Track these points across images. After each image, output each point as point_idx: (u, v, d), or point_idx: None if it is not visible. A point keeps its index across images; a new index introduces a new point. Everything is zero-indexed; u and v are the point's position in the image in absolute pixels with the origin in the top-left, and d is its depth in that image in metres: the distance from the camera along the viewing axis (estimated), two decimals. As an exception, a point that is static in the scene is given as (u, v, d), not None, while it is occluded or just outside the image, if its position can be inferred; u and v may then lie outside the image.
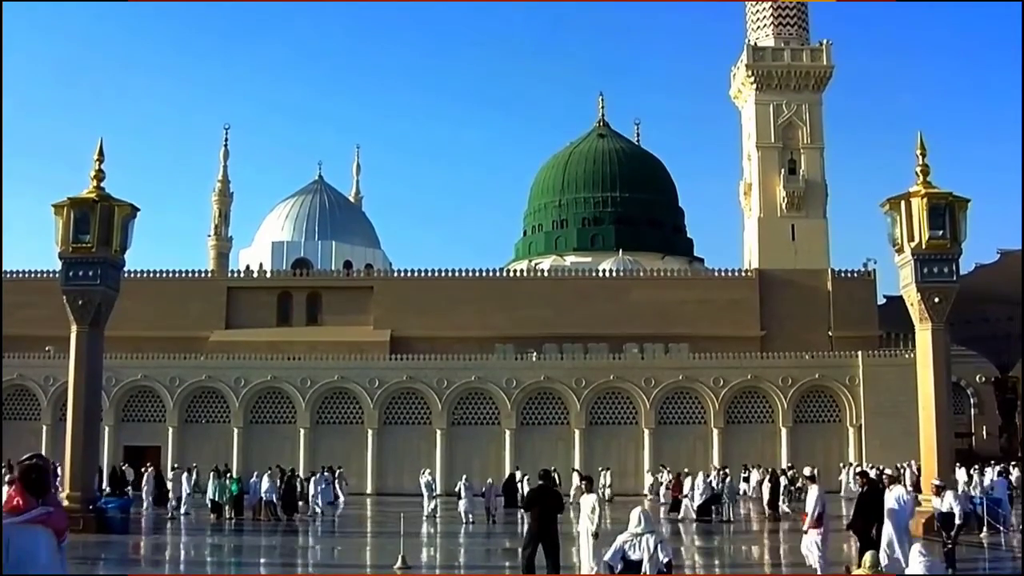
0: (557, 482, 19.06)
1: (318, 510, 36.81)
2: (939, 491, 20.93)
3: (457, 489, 34.89)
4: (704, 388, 53.70)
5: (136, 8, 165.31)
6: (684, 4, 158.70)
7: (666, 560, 13.76)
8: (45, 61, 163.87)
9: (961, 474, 38.10)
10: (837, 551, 20.90)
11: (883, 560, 16.65)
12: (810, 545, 17.57)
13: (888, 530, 17.49)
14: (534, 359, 55.58)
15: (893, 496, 17.96)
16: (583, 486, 18.57)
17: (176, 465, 41.40)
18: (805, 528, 17.93)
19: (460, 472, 41.51)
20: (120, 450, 52.37)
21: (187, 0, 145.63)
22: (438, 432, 53.15)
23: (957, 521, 19.61)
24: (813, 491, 18.08)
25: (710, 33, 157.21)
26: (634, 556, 13.78)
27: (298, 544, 29.26)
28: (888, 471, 21.27)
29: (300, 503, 36.63)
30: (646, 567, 13.66)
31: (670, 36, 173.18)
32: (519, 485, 40.77)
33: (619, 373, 54.07)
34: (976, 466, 41.91)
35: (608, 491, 43.86)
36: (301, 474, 43.01)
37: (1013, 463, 41.55)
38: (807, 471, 20.63)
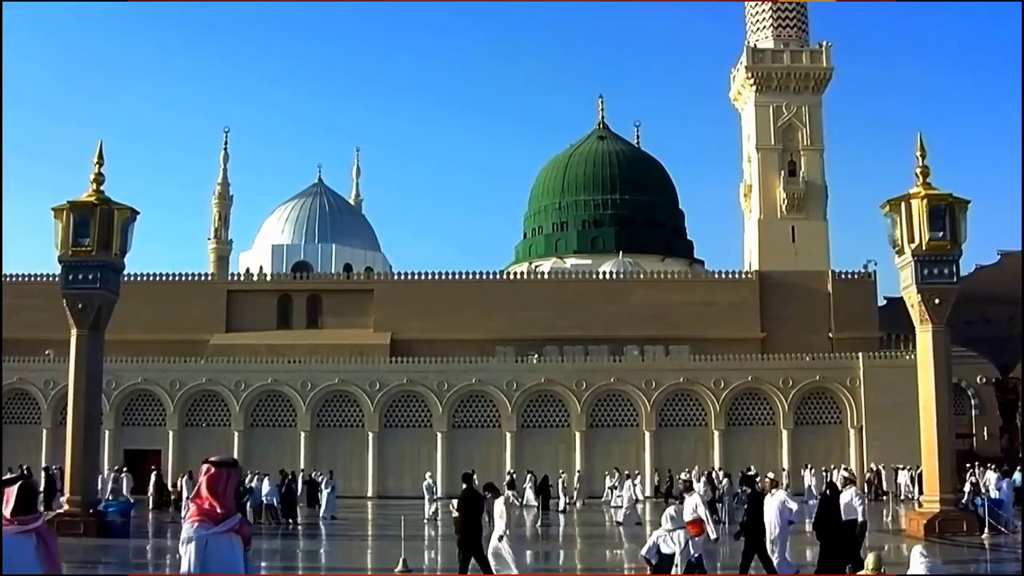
0: (477, 485, 19.28)
1: (333, 516, 36.78)
2: (845, 484, 19.82)
3: (519, 490, 34.86)
4: (705, 390, 53.69)
5: (136, 11, 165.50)
6: (683, 6, 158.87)
7: (696, 555, 15.53)
8: (44, 63, 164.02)
9: (980, 475, 38.11)
10: (800, 554, 20.70)
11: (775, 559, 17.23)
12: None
13: (770, 533, 17.62)
14: (535, 361, 55.57)
15: (775, 500, 17.93)
16: (488, 494, 18.60)
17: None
18: (712, 533, 17.19)
19: (458, 475, 41.44)
20: (120, 454, 52.33)
21: (187, 0, 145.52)
22: (439, 435, 53.14)
23: (859, 519, 18.56)
24: (690, 500, 17.35)
25: (710, 35, 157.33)
26: (666, 550, 15.58)
27: (299, 547, 29.24)
28: (770, 476, 20.51)
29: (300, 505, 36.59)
30: (677, 560, 15.35)
31: (670, 38, 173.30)
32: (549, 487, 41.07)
33: (620, 375, 54.06)
34: (983, 467, 41.77)
35: (575, 493, 44.70)
36: (297, 477, 42.94)
37: (1019, 468, 41.48)
38: (684, 475, 19.53)
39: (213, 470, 6.10)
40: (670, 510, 16.34)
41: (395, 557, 20.44)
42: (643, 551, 16.39)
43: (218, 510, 5.88)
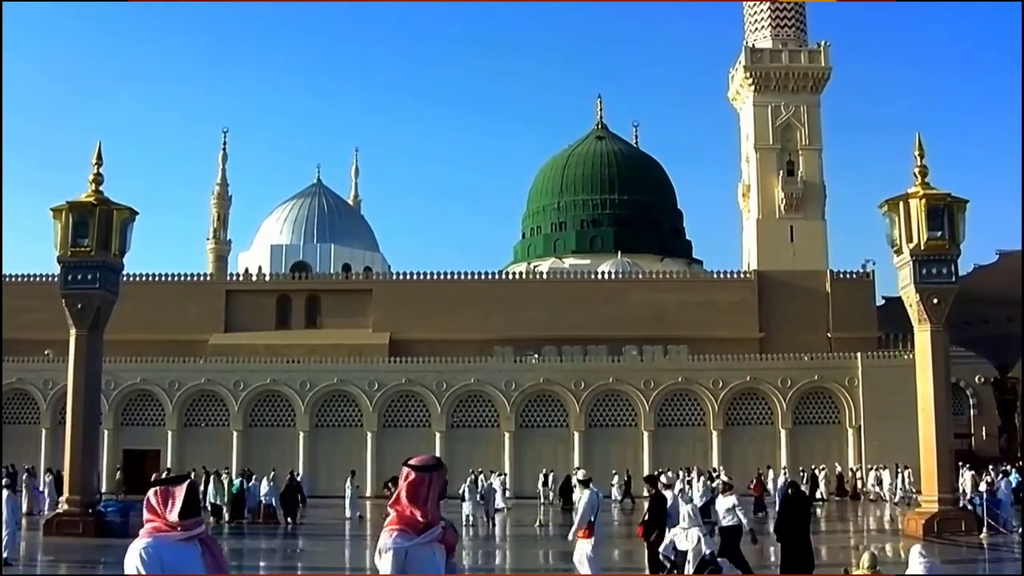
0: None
1: (360, 515, 36.68)
2: (725, 489, 19.27)
3: (461, 491, 34.88)
4: (703, 390, 53.70)
5: (135, 11, 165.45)
6: (682, 6, 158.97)
7: (708, 551, 16.17)
8: (43, 64, 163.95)
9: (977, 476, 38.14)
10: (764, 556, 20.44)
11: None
12: (581, 557, 15.22)
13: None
14: (533, 361, 55.58)
15: (726, 504, 18.04)
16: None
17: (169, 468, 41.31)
18: (570, 536, 15.75)
19: (460, 475, 41.48)
20: (120, 454, 52.36)
21: (187, 0, 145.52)
22: (437, 435, 53.13)
23: (747, 528, 18.40)
24: (584, 495, 16.01)
25: (708, 35, 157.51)
26: (681, 547, 16.47)
27: (297, 547, 29.26)
28: (724, 478, 20.36)
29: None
30: (690, 556, 16.21)
31: (668, 38, 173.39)
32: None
33: (618, 375, 54.08)
34: (988, 467, 41.78)
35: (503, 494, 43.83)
36: (297, 477, 42.89)
37: (1018, 465, 41.58)
38: (580, 474, 18.49)
39: (413, 475, 5.40)
40: (686, 509, 16.79)
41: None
42: (661, 548, 16.90)
43: (419, 519, 5.27)
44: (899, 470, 46.37)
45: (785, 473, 44.46)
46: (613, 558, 23.01)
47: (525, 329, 59.01)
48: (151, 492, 5.26)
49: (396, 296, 62.43)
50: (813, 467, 48.71)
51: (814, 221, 65.67)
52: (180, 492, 5.21)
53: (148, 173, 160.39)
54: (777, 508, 19.44)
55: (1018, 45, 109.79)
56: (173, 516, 5.16)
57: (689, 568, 16.48)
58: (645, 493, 19.94)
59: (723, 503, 18.75)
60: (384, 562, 5.20)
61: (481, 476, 41.00)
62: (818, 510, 40.08)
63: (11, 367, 50.49)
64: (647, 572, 17.30)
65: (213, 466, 40.96)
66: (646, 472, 50.55)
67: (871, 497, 47.74)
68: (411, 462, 5.55)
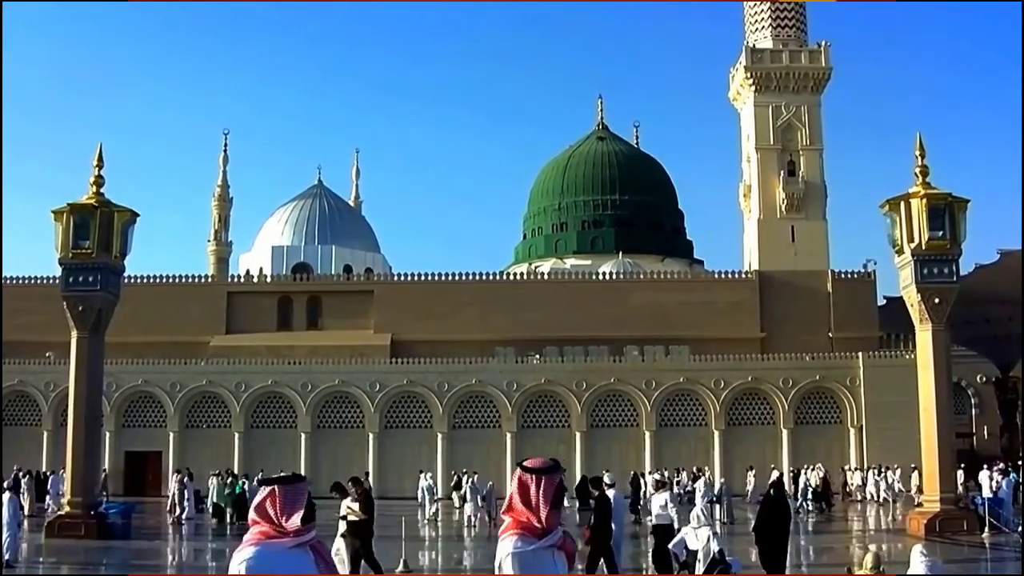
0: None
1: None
2: (658, 487, 19.15)
3: (462, 492, 34.87)
4: (705, 390, 53.70)
5: (135, 12, 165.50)
6: (682, 6, 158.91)
7: (718, 549, 16.47)
8: (43, 65, 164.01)
9: (983, 476, 38.07)
10: (744, 554, 20.23)
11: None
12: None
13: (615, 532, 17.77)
14: (535, 362, 55.58)
15: (659, 502, 18.31)
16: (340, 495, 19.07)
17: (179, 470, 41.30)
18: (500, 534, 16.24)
19: (464, 475, 41.51)
20: (121, 455, 52.41)
21: (187, 0, 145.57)
22: (439, 436, 53.15)
23: (676, 525, 18.36)
24: (658, 497, 17.31)
25: (709, 35, 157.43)
26: (691, 546, 16.95)
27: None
28: (606, 478, 20.26)
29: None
30: (700, 556, 16.68)
31: (669, 38, 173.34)
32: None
33: (620, 375, 54.08)
34: (995, 466, 41.66)
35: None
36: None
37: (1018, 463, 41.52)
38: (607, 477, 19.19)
39: (522, 476, 5.01)
40: (697, 509, 17.10)
41: (395, 557, 20.47)
42: (671, 545, 17.49)
43: (535, 523, 4.92)
44: (884, 470, 46.44)
45: (803, 472, 44.41)
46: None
47: (526, 330, 59.02)
48: (264, 493, 4.74)
49: (397, 297, 62.43)
50: (806, 467, 48.50)
51: (815, 221, 65.62)
52: (303, 497, 4.75)
53: (149, 175, 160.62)
54: (758, 508, 19.44)
55: (1018, 45, 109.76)
56: (294, 523, 4.67)
57: (700, 567, 16.69)
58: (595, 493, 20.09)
59: (657, 500, 18.98)
60: (506, 567, 4.90)
61: (469, 476, 41.12)
62: (801, 511, 40.26)
63: (12, 369, 50.53)
64: (584, 571, 17.07)
65: (215, 468, 40.98)
66: (648, 472, 50.70)
67: (856, 498, 47.18)
68: (525, 463, 5.17)
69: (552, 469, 5.10)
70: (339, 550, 17.59)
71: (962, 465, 39.73)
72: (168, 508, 35.95)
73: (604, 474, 24.19)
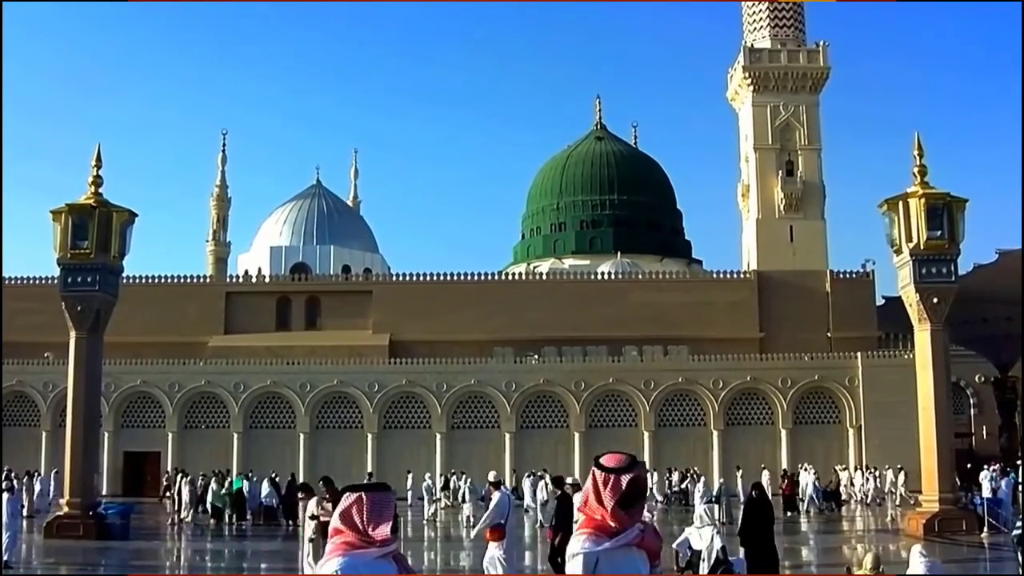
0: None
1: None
2: (575, 490, 18.06)
3: (461, 493, 34.88)
4: (703, 390, 53.72)
5: (133, 12, 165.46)
6: (680, 6, 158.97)
7: (720, 546, 16.71)
8: (42, 66, 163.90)
9: (983, 476, 38.04)
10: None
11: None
12: (492, 560, 15.03)
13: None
14: (533, 362, 55.58)
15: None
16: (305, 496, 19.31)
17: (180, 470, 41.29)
18: (471, 536, 15.72)
19: (460, 476, 41.54)
20: (120, 456, 52.38)
21: (186, 0, 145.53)
22: (438, 436, 53.15)
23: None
24: (494, 497, 16.01)
25: (707, 35, 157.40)
26: (696, 546, 17.37)
27: (299, 549, 29.19)
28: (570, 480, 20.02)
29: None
30: (704, 555, 17.01)
31: (667, 38, 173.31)
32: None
33: (618, 375, 54.09)
34: (997, 466, 41.61)
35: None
36: (296, 479, 42.89)
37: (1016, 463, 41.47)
38: (491, 476, 18.07)
39: (597, 474, 4.75)
40: (700, 509, 17.29)
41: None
42: (675, 544, 17.87)
43: (609, 522, 4.66)
44: (872, 471, 46.43)
45: (814, 471, 44.23)
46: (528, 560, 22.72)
47: (525, 330, 59.01)
48: (350, 500, 4.58)
49: (396, 297, 62.41)
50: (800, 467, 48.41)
51: (814, 221, 65.62)
52: (392, 506, 4.58)
53: (147, 175, 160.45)
54: (742, 510, 19.48)
55: (1018, 45, 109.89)
56: (383, 532, 4.49)
57: (704, 567, 16.79)
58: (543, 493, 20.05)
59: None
60: (573, 566, 4.69)
61: (459, 477, 41.26)
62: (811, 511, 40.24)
63: (11, 369, 50.49)
64: (551, 571, 16.95)
65: (214, 468, 40.96)
66: (653, 474, 50.75)
67: (843, 499, 46.93)
68: (599, 459, 4.85)
69: (630, 468, 4.79)
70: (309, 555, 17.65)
71: (969, 465, 39.87)
72: (175, 509, 35.85)
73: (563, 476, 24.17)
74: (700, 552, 17.04)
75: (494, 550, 14.94)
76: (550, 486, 19.25)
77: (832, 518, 39.12)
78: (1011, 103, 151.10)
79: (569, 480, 19.53)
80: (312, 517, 18.06)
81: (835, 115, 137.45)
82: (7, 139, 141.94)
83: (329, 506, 17.81)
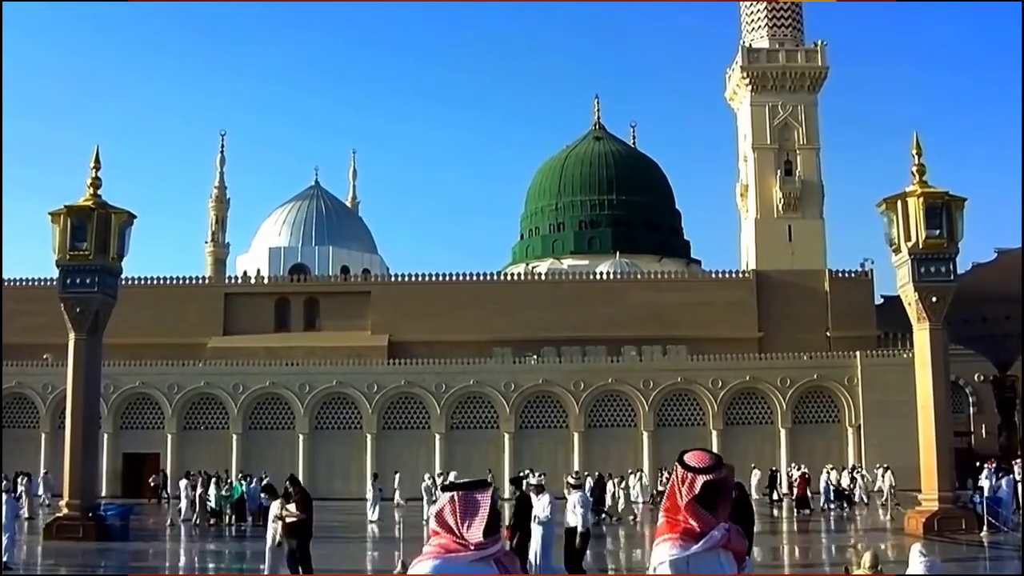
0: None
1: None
2: (538, 492, 18.03)
3: (434, 496, 34.88)
4: (703, 390, 53.71)
5: (132, 13, 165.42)
6: (679, 6, 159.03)
7: (585, 529, 17.36)
8: (41, 67, 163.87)
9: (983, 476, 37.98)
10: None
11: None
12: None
13: (536, 539, 16.94)
14: (532, 362, 55.58)
15: (541, 505, 17.25)
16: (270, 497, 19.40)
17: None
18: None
19: (460, 476, 41.45)
20: (119, 457, 52.35)
21: (184, 0, 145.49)
22: (437, 436, 53.13)
23: (580, 529, 18.08)
24: (571, 497, 16.40)
25: (705, 35, 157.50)
26: (571, 522, 17.47)
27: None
28: (539, 479, 19.85)
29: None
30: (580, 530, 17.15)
31: (665, 38, 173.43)
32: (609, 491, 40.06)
33: (617, 375, 54.08)
34: (995, 466, 41.54)
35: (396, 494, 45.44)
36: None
37: (1014, 461, 41.43)
38: (451, 475, 18.78)
39: (679, 472, 4.56)
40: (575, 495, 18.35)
41: (396, 557, 20.43)
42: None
43: (691, 523, 4.46)
44: (855, 471, 46.45)
45: (828, 470, 44.25)
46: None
47: (524, 330, 59.01)
48: (444, 500, 4.34)
49: (395, 298, 62.41)
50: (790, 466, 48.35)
51: (812, 220, 65.68)
52: (485, 505, 4.30)
53: (146, 176, 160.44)
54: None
55: (1018, 45, 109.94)
56: (475, 535, 4.23)
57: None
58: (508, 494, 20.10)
59: (569, 501, 18.54)
60: (662, 573, 4.47)
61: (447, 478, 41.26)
62: (775, 511, 40.47)
63: (10, 371, 50.46)
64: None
65: (213, 469, 40.94)
66: (647, 470, 50.76)
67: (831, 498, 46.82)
68: (684, 456, 4.62)
69: (715, 467, 4.54)
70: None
71: (977, 463, 39.81)
72: (179, 510, 35.80)
73: (529, 474, 24.12)
74: (575, 529, 17.01)
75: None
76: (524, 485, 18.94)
77: (842, 516, 39.22)
78: (1010, 102, 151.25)
79: (533, 480, 19.20)
80: (276, 518, 17.70)
81: (834, 114, 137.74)
82: (6, 140, 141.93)
83: (292, 507, 17.55)
